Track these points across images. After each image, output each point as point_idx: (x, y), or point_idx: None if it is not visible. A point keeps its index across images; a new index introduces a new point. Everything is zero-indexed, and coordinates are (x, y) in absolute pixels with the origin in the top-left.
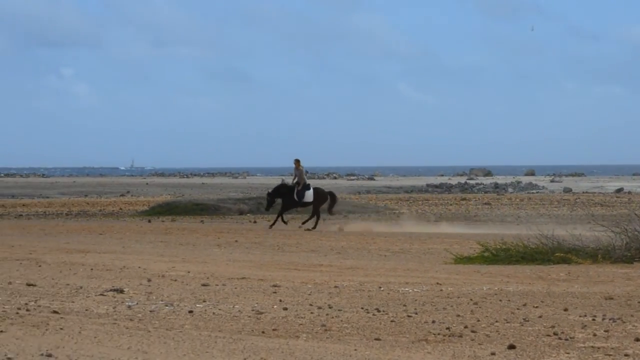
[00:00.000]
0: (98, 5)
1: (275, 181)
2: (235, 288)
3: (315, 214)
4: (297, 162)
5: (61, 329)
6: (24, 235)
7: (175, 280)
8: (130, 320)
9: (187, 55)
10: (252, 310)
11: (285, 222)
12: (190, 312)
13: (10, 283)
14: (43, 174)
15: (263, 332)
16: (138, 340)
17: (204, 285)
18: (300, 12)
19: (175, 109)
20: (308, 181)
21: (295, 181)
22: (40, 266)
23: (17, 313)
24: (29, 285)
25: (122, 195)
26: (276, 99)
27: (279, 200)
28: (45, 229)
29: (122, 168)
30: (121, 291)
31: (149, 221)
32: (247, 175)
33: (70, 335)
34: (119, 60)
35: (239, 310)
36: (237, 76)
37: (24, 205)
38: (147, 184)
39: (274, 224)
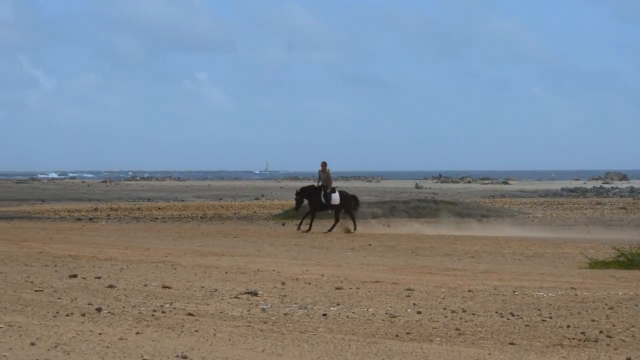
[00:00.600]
0: (231, 10)
1: (409, 185)
2: (369, 291)
3: (337, 218)
4: (323, 165)
5: (196, 331)
6: (159, 238)
7: (309, 283)
8: (265, 322)
9: (320, 60)
10: (386, 313)
11: (305, 228)
12: (324, 315)
13: (146, 285)
14: (178, 178)
15: (397, 336)
16: (272, 343)
17: (337, 288)
18: (433, 16)
19: (308, 113)
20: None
21: (320, 184)
22: (175, 269)
23: (153, 315)
24: (164, 287)
25: (257, 198)
26: (409, 103)
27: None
28: (180, 232)
29: (257, 172)
30: (255, 294)
31: (283, 224)
32: (380, 179)
33: (205, 337)
34: (252, 65)
35: (373, 314)
36: (370, 80)
37: (159, 208)
38: (281, 187)
39: (300, 225)
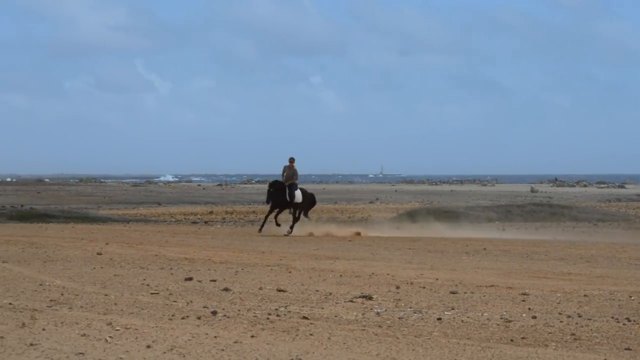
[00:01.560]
0: (344, 13)
1: (525, 188)
2: (484, 296)
3: (298, 215)
4: (292, 160)
5: (311, 334)
6: (274, 242)
7: (424, 287)
8: (379, 326)
9: (433, 63)
10: (501, 318)
11: (277, 224)
12: (439, 319)
13: (261, 289)
14: None
15: (511, 341)
16: (387, 347)
17: (452, 292)
18: (545, 19)
19: (422, 116)
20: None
21: (285, 180)
22: (290, 272)
23: (268, 318)
24: (279, 291)
25: (371, 202)
26: (523, 106)
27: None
28: (295, 235)
29: (371, 175)
30: (370, 298)
31: (398, 228)
32: (495, 183)
33: (319, 341)
34: (365, 68)
35: (488, 318)
36: (483, 83)
37: None
38: (395, 191)
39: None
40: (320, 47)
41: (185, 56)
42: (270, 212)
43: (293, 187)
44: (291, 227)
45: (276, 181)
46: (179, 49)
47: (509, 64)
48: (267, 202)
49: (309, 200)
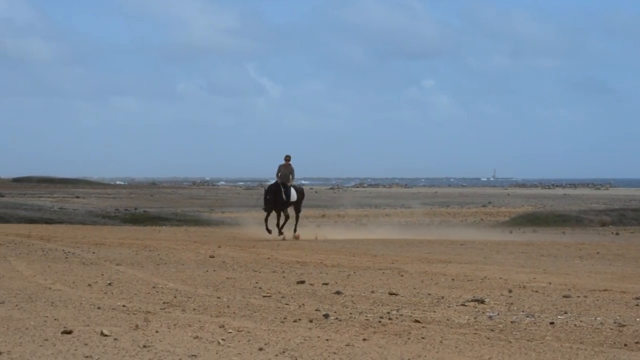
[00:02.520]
0: (455, 17)
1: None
2: (597, 300)
3: (296, 214)
4: (287, 158)
5: (423, 338)
6: (386, 245)
7: (536, 291)
8: (491, 330)
9: (545, 66)
10: (614, 322)
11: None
12: (552, 323)
13: (372, 292)
14: (405, 185)
15: (625, 345)
16: (499, 351)
17: (565, 296)
18: None
19: (534, 120)
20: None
21: (280, 179)
22: (402, 275)
23: (380, 322)
24: (391, 294)
25: (484, 205)
26: (635, 109)
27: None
28: (407, 239)
29: (484, 179)
30: (482, 301)
31: (510, 232)
32: (609, 187)
33: (431, 344)
34: (477, 72)
35: (601, 323)
36: (596, 87)
37: (386, 215)
38: (508, 194)
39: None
40: (431, 51)
41: (295, 59)
42: (268, 214)
43: (288, 187)
44: (295, 229)
45: (271, 186)
46: (290, 52)
47: (622, 66)
48: (265, 209)
49: (302, 195)
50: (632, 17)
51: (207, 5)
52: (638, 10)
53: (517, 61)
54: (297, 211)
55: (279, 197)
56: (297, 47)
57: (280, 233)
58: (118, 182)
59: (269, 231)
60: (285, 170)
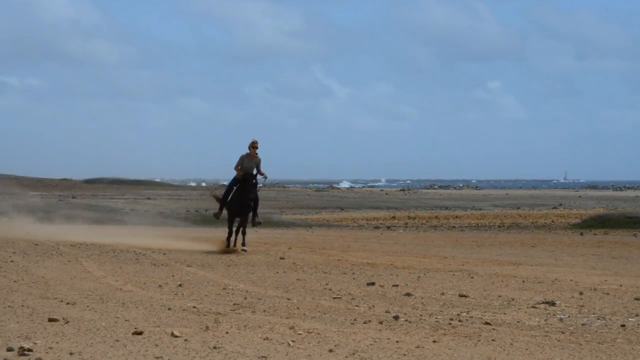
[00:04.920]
0: (519, 18)
1: None
2: None
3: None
4: (254, 145)
5: (493, 340)
6: (456, 247)
7: (607, 293)
8: (562, 333)
9: (612, 68)
10: None
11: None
12: (623, 326)
13: (442, 294)
14: (476, 186)
15: None
16: (569, 353)
17: (636, 299)
18: None
19: (601, 121)
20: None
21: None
22: (472, 277)
23: (450, 324)
24: (461, 296)
25: (554, 207)
26: None
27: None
28: (477, 241)
29: (555, 180)
30: (553, 304)
31: (581, 234)
32: None
33: (501, 346)
34: (543, 73)
35: None
36: None
37: (456, 217)
38: (579, 196)
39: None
40: (496, 52)
41: (362, 61)
42: (233, 219)
43: (256, 185)
44: (244, 241)
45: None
46: (355, 54)
47: None
48: (229, 212)
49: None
50: None
51: (270, 7)
52: None
53: (582, 62)
54: (255, 218)
55: (249, 193)
56: (363, 48)
57: (243, 249)
58: (190, 184)
59: (228, 246)
60: (250, 163)
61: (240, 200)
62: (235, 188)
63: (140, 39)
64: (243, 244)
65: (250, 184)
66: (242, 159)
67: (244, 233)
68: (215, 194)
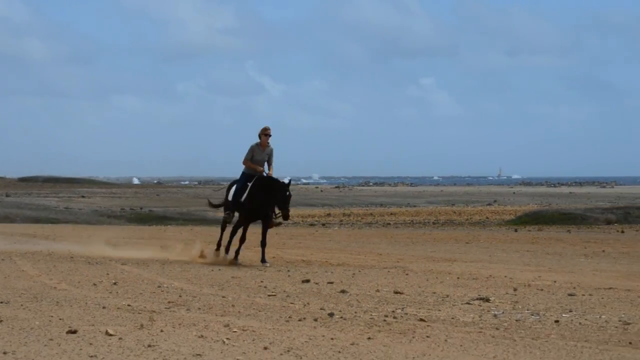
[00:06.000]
0: (450, 14)
1: None
2: (602, 298)
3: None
4: (267, 132)
5: (427, 337)
6: (391, 244)
7: (541, 289)
8: (496, 329)
9: (543, 64)
10: (619, 320)
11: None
12: (556, 321)
13: (377, 291)
14: (410, 183)
15: (630, 343)
16: (504, 349)
17: (570, 295)
18: None
19: (535, 117)
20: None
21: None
22: (407, 274)
23: (385, 320)
24: (396, 293)
25: (489, 204)
26: (638, 106)
27: None
28: (412, 238)
29: (490, 177)
30: (487, 300)
31: (516, 230)
32: (615, 185)
33: (436, 343)
34: (476, 69)
35: (606, 321)
36: (597, 84)
37: (391, 214)
38: (514, 193)
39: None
40: (429, 49)
41: (295, 58)
42: (245, 225)
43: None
44: (264, 255)
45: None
46: (289, 51)
47: (621, 64)
48: (243, 216)
49: None
50: (628, 13)
51: (203, 4)
52: (633, 6)
53: (515, 58)
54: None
55: (278, 195)
56: (296, 45)
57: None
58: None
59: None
60: (262, 155)
61: (262, 204)
62: (250, 186)
63: (72, 36)
64: (264, 259)
65: (280, 185)
66: (253, 150)
67: (264, 245)
68: (212, 200)
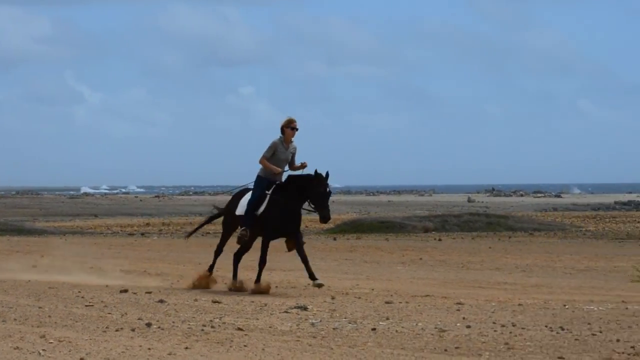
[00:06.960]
0: (269, 24)
1: (462, 198)
2: (419, 306)
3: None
4: (293, 124)
5: (245, 346)
6: (211, 253)
7: (359, 297)
8: (314, 337)
9: (361, 73)
10: (435, 328)
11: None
12: (374, 329)
13: (196, 300)
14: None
15: (445, 350)
16: (321, 358)
17: (387, 302)
18: (472, 29)
19: (354, 126)
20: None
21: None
22: (226, 283)
23: (202, 330)
24: (214, 302)
25: (308, 212)
26: (454, 115)
27: None
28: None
29: None
30: (305, 308)
31: (334, 239)
32: (432, 193)
33: (253, 352)
34: (295, 78)
35: (422, 328)
36: (414, 93)
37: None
38: (332, 201)
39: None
40: (248, 58)
41: (113, 67)
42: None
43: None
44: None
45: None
46: (106, 60)
47: (439, 73)
48: (266, 236)
49: None
50: (444, 24)
51: (20, 13)
52: (448, 17)
53: (334, 68)
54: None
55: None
56: (113, 54)
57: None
58: None
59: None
60: (285, 153)
61: (290, 217)
62: (269, 195)
63: None
64: (314, 276)
65: (318, 180)
66: (275, 147)
67: (306, 261)
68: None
